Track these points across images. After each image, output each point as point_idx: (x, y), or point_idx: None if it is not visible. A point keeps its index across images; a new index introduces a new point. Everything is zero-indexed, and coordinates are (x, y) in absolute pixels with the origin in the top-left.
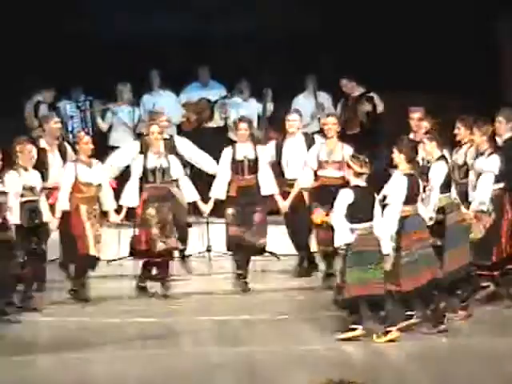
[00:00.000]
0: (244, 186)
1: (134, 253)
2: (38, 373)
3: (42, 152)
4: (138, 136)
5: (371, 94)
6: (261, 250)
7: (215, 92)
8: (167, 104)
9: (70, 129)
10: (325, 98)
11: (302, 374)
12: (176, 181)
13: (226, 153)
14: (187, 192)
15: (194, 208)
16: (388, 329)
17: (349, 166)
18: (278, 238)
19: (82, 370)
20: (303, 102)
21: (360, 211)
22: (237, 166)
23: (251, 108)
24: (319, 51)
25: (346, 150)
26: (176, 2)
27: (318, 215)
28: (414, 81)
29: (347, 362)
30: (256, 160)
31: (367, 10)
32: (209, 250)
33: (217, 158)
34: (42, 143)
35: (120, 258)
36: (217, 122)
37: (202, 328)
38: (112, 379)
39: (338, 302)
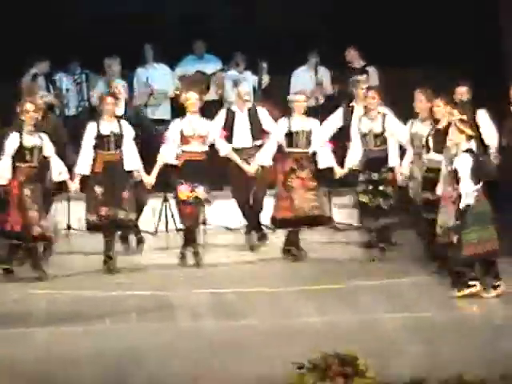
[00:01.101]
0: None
1: None
2: (33, 345)
3: None
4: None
5: (367, 68)
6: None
7: (211, 65)
8: (161, 77)
9: (65, 101)
10: (325, 73)
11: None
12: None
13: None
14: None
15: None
16: (496, 283)
17: (461, 131)
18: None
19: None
20: (303, 77)
21: (478, 174)
22: None
23: (247, 80)
24: (319, 26)
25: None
26: None
27: (184, 191)
28: (414, 58)
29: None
30: None
31: None
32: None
33: None
34: None
35: None
36: (212, 95)
37: None
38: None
39: (454, 259)
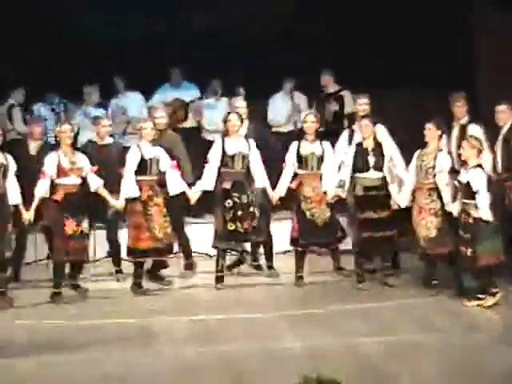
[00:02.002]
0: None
1: None
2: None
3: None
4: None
5: (343, 93)
6: None
7: (189, 93)
8: (135, 105)
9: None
10: (301, 98)
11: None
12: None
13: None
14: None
15: None
16: (495, 291)
17: (473, 147)
18: None
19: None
20: (280, 102)
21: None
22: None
23: (225, 108)
24: (294, 50)
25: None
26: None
27: (70, 226)
28: (390, 79)
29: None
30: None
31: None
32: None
33: (192, 157)
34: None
35: None
36: (191, 122)
37: None
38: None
39: (470, 270)
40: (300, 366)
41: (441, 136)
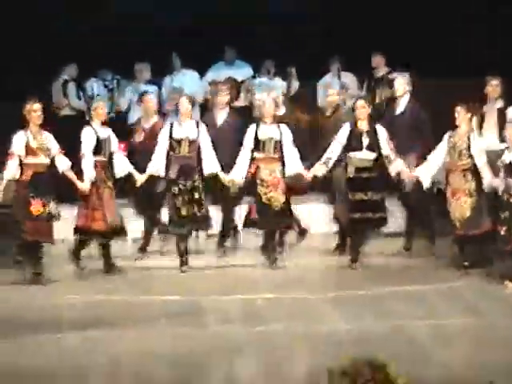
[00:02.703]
0: None
1: None
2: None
3: None
4: (164, 115)
5: (393, 76)
6: None
7: (242, 71)
8: (190, 83)
9: None
10: (349, 78)
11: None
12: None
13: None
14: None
15: None
16: None
17: None
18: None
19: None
20: (330, 83)
21: None
22: None
23: (277, 87)
24: (345, 30)
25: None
26: None
27: (36, 206)
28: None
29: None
30: None
31: None
32: None
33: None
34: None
35: None
36: (243, 101)
37: None
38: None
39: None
40: (347, 348)
41: (471, 118)
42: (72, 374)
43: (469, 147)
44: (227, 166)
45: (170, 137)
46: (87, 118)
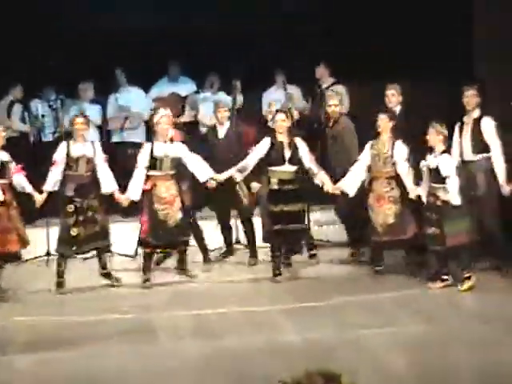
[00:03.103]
0: None
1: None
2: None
3: None
4: (107, 133)
5: (335, 86)
6: None
7: (185, 87)
8: (136, 100)
9: (42, 127)
10: (294, 90)
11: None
12: None
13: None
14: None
15: None
16: (468, 275)
17: (439, 133)
18: None
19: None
20: (275, 95)
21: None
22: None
23: (221, 101)
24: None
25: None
26: None
27: None
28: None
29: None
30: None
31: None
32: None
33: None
34: None
35: None
36: (187, 117)
37: None
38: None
39: (438, 252)
40: (301, 359)
41: (393, 127)
42: None
43: (392, 155)
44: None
45: (67, 155)
46: (31, 140)
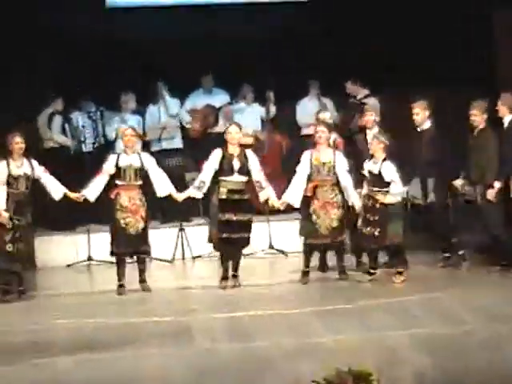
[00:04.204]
0: None
1: None
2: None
3: None
4: (145, 144)
5: (366, 100)
6: None
7: (219, 98)
8: (173, 111)
9: (82, 139)
10: (328, 102)
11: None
12: None
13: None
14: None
15: None
16: (402, 269)
17: (380, 143)
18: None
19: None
20: (308, 105)
21: None
22: None
23: (254, 112)
24: (321, 53)
25: None
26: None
27: None
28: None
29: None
30: None
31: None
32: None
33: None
34: None
35: None
36: (221, 127)
37: None
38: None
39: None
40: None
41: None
42: None
43: (334, 165)
44: None
45: (116, 166)
46: (71, 151)
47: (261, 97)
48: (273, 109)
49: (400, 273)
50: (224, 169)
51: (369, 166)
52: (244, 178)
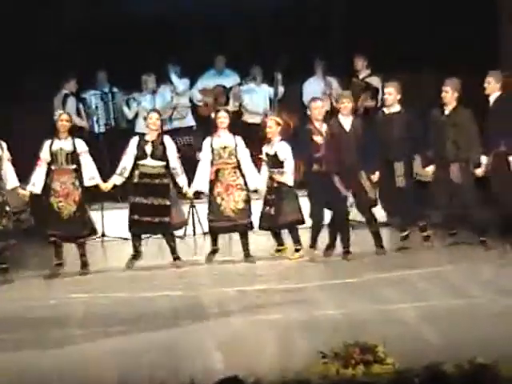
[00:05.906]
0: None
1: None
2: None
3: None
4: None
5: (369, 79)
6: None
7: (230, 79)
8: (184, 91)
9: (95, 119)
10: (333, 81)
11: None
12: None
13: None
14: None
15: None
16: (298, 247)
17: (278, 125)
18: None
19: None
20: (313, 85)
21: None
22: None
23: (263, 92)
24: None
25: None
26: None
27: None
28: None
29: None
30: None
31: None
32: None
33: None
34: None
35: None
36: (232, 106)
37: None
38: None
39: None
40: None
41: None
42: None
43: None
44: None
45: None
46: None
47: (269, 78)
48: (281, 89)
49: (298, 250)
50: (138, 154)
51: (266, 149)
52: (159, 163)
